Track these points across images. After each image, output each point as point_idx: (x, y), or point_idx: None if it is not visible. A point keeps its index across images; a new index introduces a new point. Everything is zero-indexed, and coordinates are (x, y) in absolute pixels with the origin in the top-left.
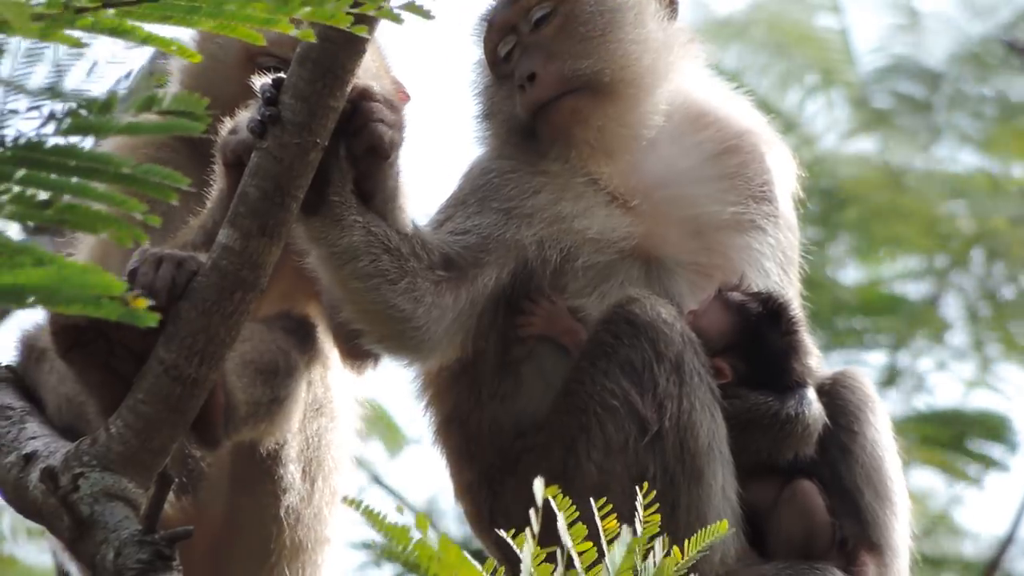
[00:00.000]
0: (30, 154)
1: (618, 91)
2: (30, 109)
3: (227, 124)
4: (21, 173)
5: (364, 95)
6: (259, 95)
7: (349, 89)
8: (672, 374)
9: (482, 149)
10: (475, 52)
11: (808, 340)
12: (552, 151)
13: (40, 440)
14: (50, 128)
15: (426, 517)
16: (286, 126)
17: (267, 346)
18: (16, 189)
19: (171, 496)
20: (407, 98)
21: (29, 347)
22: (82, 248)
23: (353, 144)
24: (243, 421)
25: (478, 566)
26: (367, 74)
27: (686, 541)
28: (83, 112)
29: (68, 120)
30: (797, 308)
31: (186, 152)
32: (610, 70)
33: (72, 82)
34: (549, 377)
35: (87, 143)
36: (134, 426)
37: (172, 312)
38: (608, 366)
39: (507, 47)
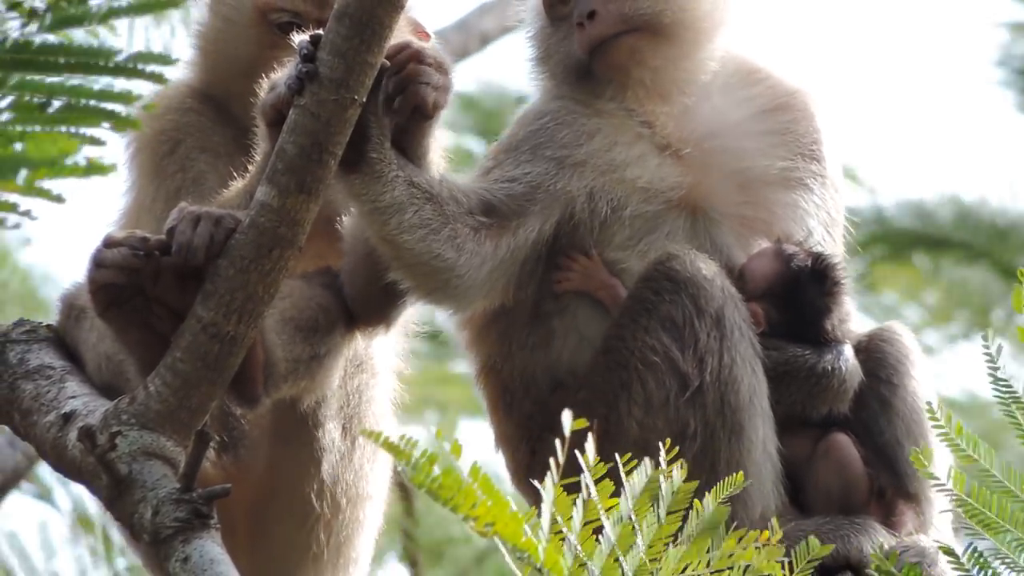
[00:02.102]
0: (20, 56)
1: (676, 34)
2: (10, 8)
3: (265, 84)
4: (15, 79)
5: (414, 56)
6: (297, 52)
7: (397, 47)
8: (713, 329)
9: (537, 93)
10: None
11: (849, 303)
12: (608, 91)
13: (79, 399)
14: (34, 25)
15: (460, 445)
16: (324, 83)
17: (306, 303)
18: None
19: (211, 455)
20: (428, 36)
21: (69, 305)
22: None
23: (400, 103)
24: (283, 378)
25: (509, 501)
26: None
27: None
28: (64, 4)
29: (49, 15)
30: (845, 270)
31: (212, 115)
32: (670, 11)
33: None
34: (583, 330)
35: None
36: (172, 384)
37: (210, 270)
38: (649, 322)
39: None
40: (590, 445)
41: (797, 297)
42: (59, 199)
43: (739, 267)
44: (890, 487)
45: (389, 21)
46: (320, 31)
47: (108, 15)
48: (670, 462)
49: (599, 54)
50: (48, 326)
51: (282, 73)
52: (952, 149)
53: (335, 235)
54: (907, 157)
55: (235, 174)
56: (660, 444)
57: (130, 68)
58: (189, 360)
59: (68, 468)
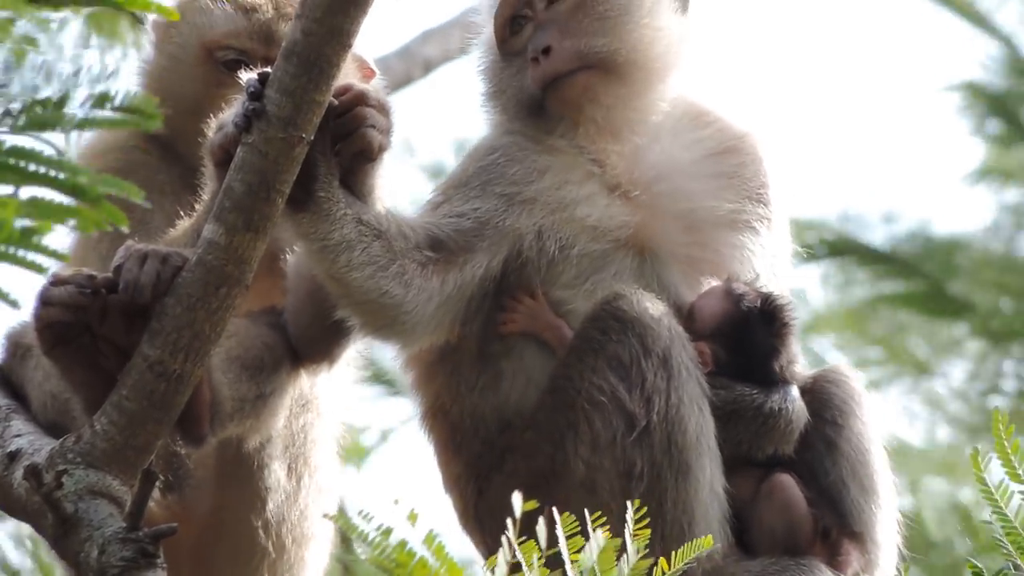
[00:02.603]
0: None
1: (630, 73)
2: None
3: (212, 123)
4: None
5: (359, 98)
6: (244, 90)
7: (341, 89)
8: (660, 369)
9: (488, 128)
10: (482, 30)
11: (796, 346)
12: (559, 128)
13: (25, 438)
14: (6, 124)
15: (416, 514)
16: (271, 120)
17: (252, 342)
18: None
19: (156, 494)
20: (372, 74)
21: (14, 344)
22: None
23: (344, 147)
24: (229, 417)
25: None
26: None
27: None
28: (38, 109)
29: (24, 116)
30: (794, 317)
31: (158, 153)
32: (624, 51)
33: (23, 79)
34: (530, 372)
35: (47, 149)
36: (118, 423)
37: (157, 308)
38: (596, 362)
39: (519, 23)
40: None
41: (746, 337)
42: (15, 304)
43: (688, 306)
44: (835, 527)
45: (337, 60)
46: (268, 69)
47: (83, 124)
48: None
49: (552, 90)
50: None
51: (229, 112)
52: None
53: (279, 272)
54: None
55: (181, 213)
56: (608, 484)
57: (93, 191)
58: (135, 398)
59: (13, 507)
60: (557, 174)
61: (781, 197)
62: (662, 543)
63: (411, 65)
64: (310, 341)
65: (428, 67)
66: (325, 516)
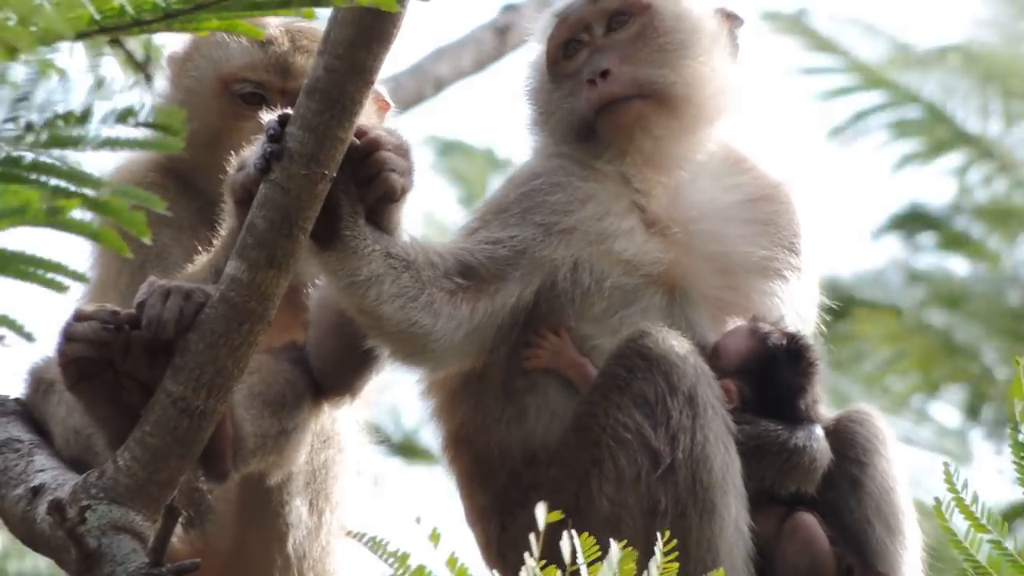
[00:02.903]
0: (8, 169)
1: (683, 108)
2: (6, 121)
3: (234, 161)
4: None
5: (375, 144)
6: (264, 131)
7: (358, 132)
8: (685, 407)
9: (532, 152)
10: (533, 52)
11: (820, 387)
12: (607, 153)
13: (48, 473)
14: (28, 139)
15: (438, 533)
16: (294, 157)
17: (274, 377)
18: None
19: (178, 530)
20: (387, 107)
21: (37, 379)
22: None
23: (366, 193)
24: (251, 453)
25: None
26: None
27: None
28: (60, 124)
29: (46, 132)
30: (820, 356)
31: (175, 188)
32: (681, 86)
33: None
34: (555, 407)
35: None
36: (141, 458)
37: (180, 344)
38: (621, 400)
39: (574, 47)
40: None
41: (771, 375)
42: (30, 338)
43: (714, 344)
44: (858, 566)
45: (359, 96)
46: (289, 110)
47: (104, 144)
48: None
49: (606, 114)
50: (16, 399)
51: (251, 151)
52: None
53: (300, 306)
54: None
55: (200, 248)
56: (632, 521)
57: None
58: (158, 434)
59: (37, 541)
60: (600, 204)
61: (812, 248)
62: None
63: (422, 83)
64: (332, 374)
65: (439, 85)
66: (349, 534)
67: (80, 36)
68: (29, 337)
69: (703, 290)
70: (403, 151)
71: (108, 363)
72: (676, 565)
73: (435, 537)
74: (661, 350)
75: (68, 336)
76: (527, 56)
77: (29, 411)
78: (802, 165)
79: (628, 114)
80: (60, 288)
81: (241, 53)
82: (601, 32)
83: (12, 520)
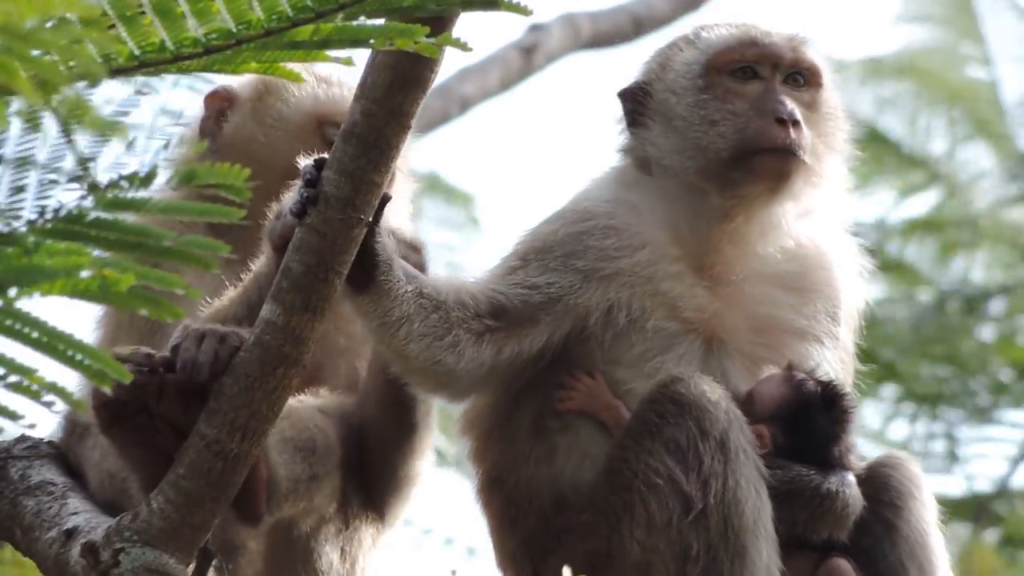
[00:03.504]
0: (70, 227)
1: (807, 196)
2: (71, 180)
3: (272, 210)
4: (62, 246)
5: None
6: (301, 176)
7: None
8: (717, 452)
9: (603, 175)
10: (674, 50)
11: (854, 436)
12: (729, 187)
13: (82, 516)
14: (90, 201)
15: None
16: (330, 201)
17: (304, 424)
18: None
19: (211, 574)
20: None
21: (72, 423)
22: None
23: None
24: (284, 498)
25: None
26: None
27: None
28: (124, 184)
29: (109, 193)
30: (854, 404)
31: (205, 225)
32: (819, 177)
33: (111, 154)
34: (586, 448)
35: (128, 216)
36: (175, 501)
37: (215, 387)
38: (653, 445)
39: (748, 74)
40: None
41: (805, 421)
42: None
43: (748, 390)
44: None
45: (396, 141)
46: (325, 154)
47: (167, 209)
48: None
49: (772, 158)
50: (50, 442)
51: (288, 198)
52: None
53: (329, 352)
54: None
55: (227, 282)
56: (663, 566)
57: (179, 252)
58: (192, 477)
59: None
60: (654, 250)
61: (851, 319)
62: None
63: (448, 103)
64: (375, 423)
65: (465, 105)
66: None
67: (118, 72)
68: (14, 417)
69: (741, 345)
70: (417, 248)
71: (142, 406)
72: None
73: None
74: (693, 395)
75: None
76: (659, 47)
77: (63, 454)
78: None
79: (789, 170)
80: (103, 380)
81: (340, 97)
82: (780, 78)
83: (45, 563)
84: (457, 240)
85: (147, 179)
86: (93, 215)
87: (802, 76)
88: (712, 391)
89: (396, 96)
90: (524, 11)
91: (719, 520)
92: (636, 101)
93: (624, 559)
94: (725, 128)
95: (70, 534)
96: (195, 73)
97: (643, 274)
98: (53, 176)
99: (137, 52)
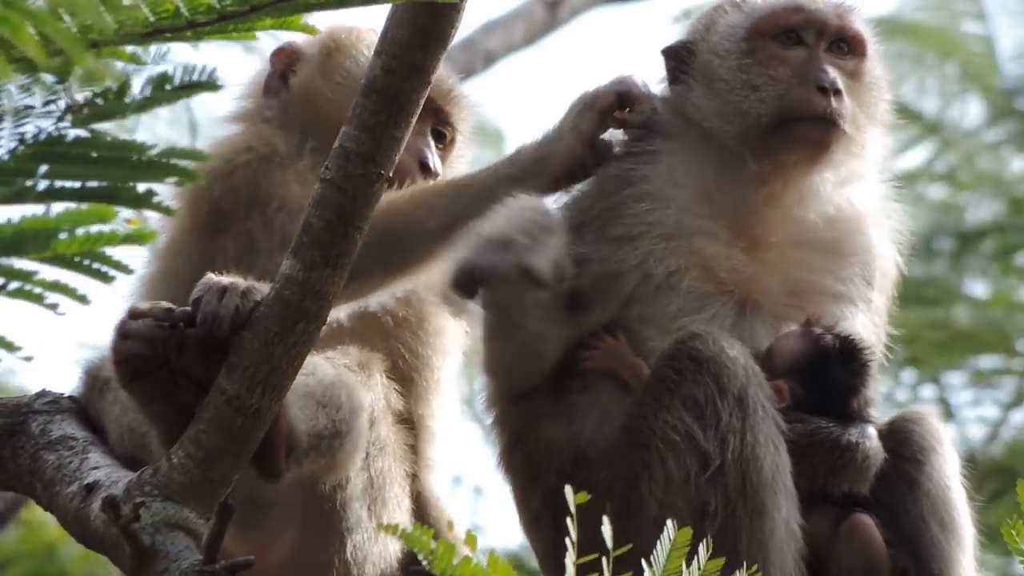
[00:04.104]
0: (52, 148)
1: (848, 165)
2: (46, 103)
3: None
4: (45, 169)
5: None
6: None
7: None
8: (735, 408)
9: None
10: (735, 17)
11: (873, 390)
12: (768, 155)
13: (102, 470)
14: (68, 120)
15: (473, 535)
16: (350, 157)
17: (330, 380)
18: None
19: (237, 532)
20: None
21: (92, 377)
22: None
23: None
24: (304, 454)
25: None
26: None
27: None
28: (99, 101)
29: (85, 109)
30: (873, 358)
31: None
32: (860, 147)
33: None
34: (606, 406)
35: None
36: (196, 456)
37: (235, 342)
38: (670, 402)
39: (792, 38)
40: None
41: (824, 375)
42: (84, 299)
43: (768, 346)
44: (913, 569)
45: (416, 96)
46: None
47: (145, 105)
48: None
49: (810, 126)
50: (71, 397)
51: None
52: None
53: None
54: None
55: None
56: (681, 523)
57: (163, 164)
58: (212, 432)
59: (91, 539)
60: (689, 208)
61: (887, 282)
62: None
63: (473, 57)
64: None
65: (490, 59)
66: (382, 528)
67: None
68: (11, 348)
69: (775, 308)
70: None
71: (162, 361)
72: (721, 561)
73: (471, 540)
74: (711, 352)
75: (122, 334)
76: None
77: (84, 408)
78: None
79: (828, 139)
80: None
81: None
82: (824, 46)
83: (66, 517)
84: None
85: (120, 91)
86: (73, 135)
87: (846, 44)
88: (730, 347)
89: (416, 52)
90: None
91: (737, 476)
92: (680, 59)
93: (643, 516)
94: (766, 94)
95: (91, 489)
96: (210, 39)
97: (677, 232)
98: (28, 102)
99: (152, 18)
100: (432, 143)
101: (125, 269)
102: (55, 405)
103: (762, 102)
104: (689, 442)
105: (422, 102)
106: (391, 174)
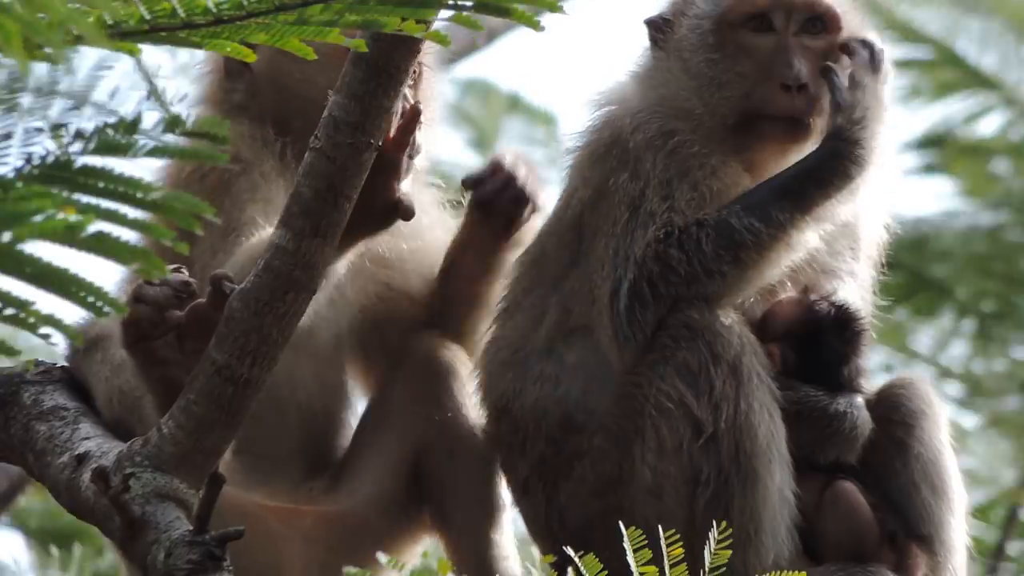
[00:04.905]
0: (58, 173)
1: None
2: (55, 127)
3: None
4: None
5: None
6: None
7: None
8: (729, 376)
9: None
10: (702, 6)
11: (865, 360)
12: (735, 148)
13: (93, 441)
14: (77, 147)
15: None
16: (339, 126)
17: None
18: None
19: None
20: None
21: (83, 335)
22: None
23: None
24: None
25: None
26: None
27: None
28: (110, 132)
29: (95, 139)
30: (867, 327)
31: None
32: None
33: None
34: (592, 369)
35: (116, 164)
36: (186, 427)
37: (225, 313)
38: (665, 369)
39: (763, 23)
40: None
41: (816, 341)
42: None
43: (762, 313)
44: (901, 532)
45: (405, 65)
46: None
47: (154, 153)
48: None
49: (771, 126)
50: (63, 367)
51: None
52: None
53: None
54: None
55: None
56: (674, 490)
57: (165, 206)
58: (203, 403)
59: (82, 509)
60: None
61: (872, 256)
62: (728, 549)
63: (474, 33)
64: None
65: (492, 35)
66: (348, 572)
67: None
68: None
69: None
70: None
71: (171, 327)
72: (728, 554)
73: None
74: (706, 320)
75: (137, 297)
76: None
77: (72, 374)
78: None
79: (795, 136)
80: (99, 312)
81: None
82: (794, 29)
83: (57, 488)
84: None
85: (133, 125)
86: (80, 162)
87: (820, 21)
88: (725, 316)
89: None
90: None
91: (730, 444)
92: (660, 31)
93: (635, 484)
94: (731, 92)
95: (81, 459)
96: (204, 41)
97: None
98: (39, 124)
99: (148, 16)
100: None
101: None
102: (47, 375)
103: (727, 100)
104: (683, 409)
105: (411, 71)
106: (380, 143)
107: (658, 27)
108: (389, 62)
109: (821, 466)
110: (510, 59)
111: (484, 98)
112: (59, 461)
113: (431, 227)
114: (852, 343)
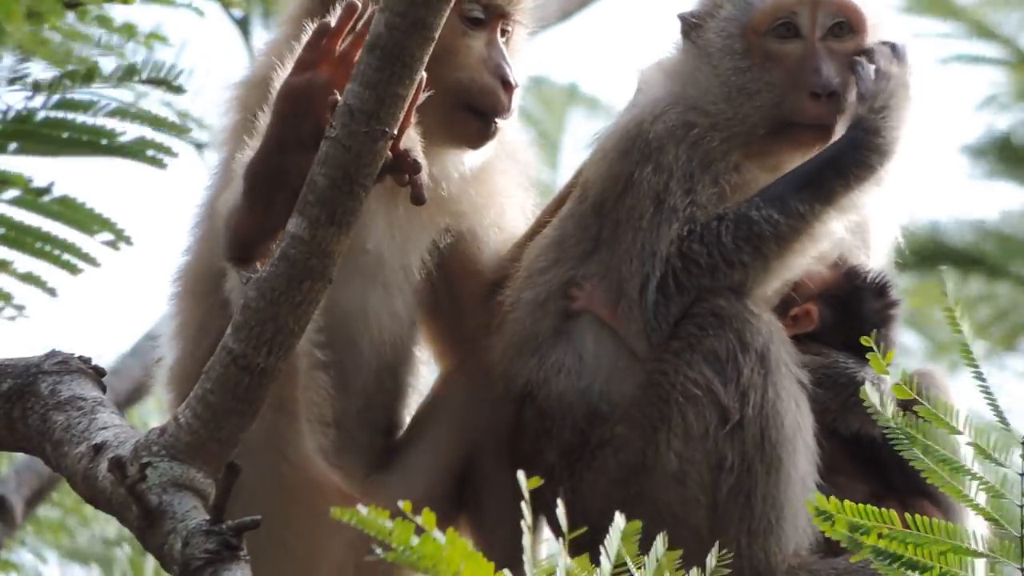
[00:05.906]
0: (21, 127)
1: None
2: (13, 80)
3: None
4: (14, 146)
5: None
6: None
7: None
8: (757, 364)
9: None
10: (729, 10)
11: (897, 335)
12: (761, 154)
13: (110, 431)
14: (38, 100)
15: (432, 513)
16: (354, 114)
17: None
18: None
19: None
20: None
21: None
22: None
23: None
24: None
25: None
26: None
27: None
28: (67, 82)
29: (55, 92)
30: (901, 300)
31: None
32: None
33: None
34: (614, 359)
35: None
36: (203, 416)
37: (241, 302)
38: (692, 357)
39: (789, 30)
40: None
41: (853, 304)
42: (52, 292)
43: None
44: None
45: (420, 53)
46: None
47: (115, 113)
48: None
49: (800, 132)
50: (80, 357)
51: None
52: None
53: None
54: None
55: None
56: (698, 476)
57: (132, 150)
58: (219, 392)
59: (99, 499)
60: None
61: (885, 248)
62: (748, 536)
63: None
64: None
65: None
66: (333, 513)
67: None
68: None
69: None
70: None
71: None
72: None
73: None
74: (734, 308)
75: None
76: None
77: (93, 369)
78: None
79: (824, 140)
80: (73, 270)
81: None
82: (820, 33)
83: (75, 478)
84: None
85: (88, 75)
86: (42, 115)
87: (846, 23)
88: (754, 304)
89: (419, 8)
90: None
91: (756, 432)
92: (691, 27)
93: (660, 470)
94: (762, 102)
95: (98, 449)
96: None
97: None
98: None
99: None
100: (505, 51)
101: (93, 261)
102: (64, 365)
103: (757, 110)
104: (709, 396)
105: (426, 59)
106: (395, 131)
107: (690, 23)
108: (403, 50)
109: (899, 487)
110: (558, 52)
111: (540, 93)
112: (76, 451)
113: (510, 206)
114: (886, 313)
